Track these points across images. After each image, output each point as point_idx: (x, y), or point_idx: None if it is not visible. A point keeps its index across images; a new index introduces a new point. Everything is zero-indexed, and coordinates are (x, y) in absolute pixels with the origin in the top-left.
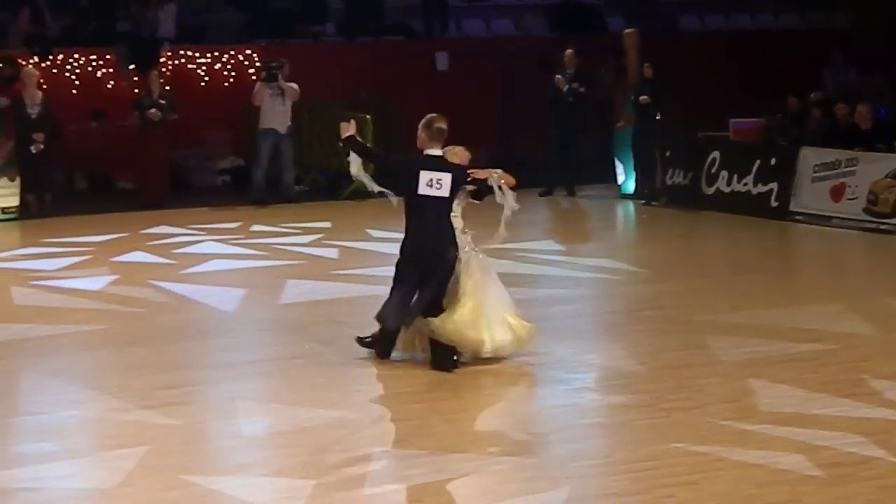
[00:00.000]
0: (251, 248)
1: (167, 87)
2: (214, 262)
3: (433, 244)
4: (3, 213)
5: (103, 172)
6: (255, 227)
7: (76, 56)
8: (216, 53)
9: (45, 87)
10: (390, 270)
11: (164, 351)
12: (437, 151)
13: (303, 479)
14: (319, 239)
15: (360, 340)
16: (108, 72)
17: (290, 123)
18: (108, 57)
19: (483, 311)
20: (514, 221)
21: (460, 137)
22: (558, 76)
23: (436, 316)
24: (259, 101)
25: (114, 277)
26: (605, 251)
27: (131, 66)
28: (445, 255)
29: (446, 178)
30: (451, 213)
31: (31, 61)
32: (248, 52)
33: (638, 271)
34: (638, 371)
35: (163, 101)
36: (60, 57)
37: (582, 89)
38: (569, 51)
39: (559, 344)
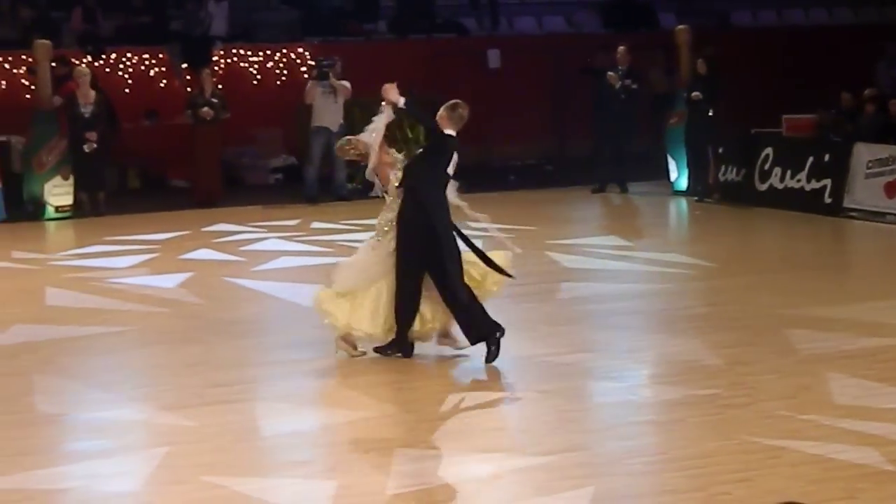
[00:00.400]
0: (317, 244)
1: (219, 86)
2: (284, 258)
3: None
4: (58, 211)
5: (156, 171)
6: (316, 225)
7: (129, 55)
8: (268, 52)
9: (98, 85)
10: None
11: (243, 346)
12: (454, 133)
13: (358, 476)
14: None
15: (379, 350)
16: (161, 70)
17: (342, 121)
18: (160, 56)
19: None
20: (565, 218)
21: (513, 133)
22: (610, 73)
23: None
24: (311, 99)
25: (188, 275)
26: (658, 247)
27: (184, 65)
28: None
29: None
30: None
31: (85, 60)
32: (300, 50)
33: (691, 269)
34: (694, 367)
35: (215, 100)
36: (113, 56)
37: (634, 86)
38: (621, 47)
39: (613, 339)
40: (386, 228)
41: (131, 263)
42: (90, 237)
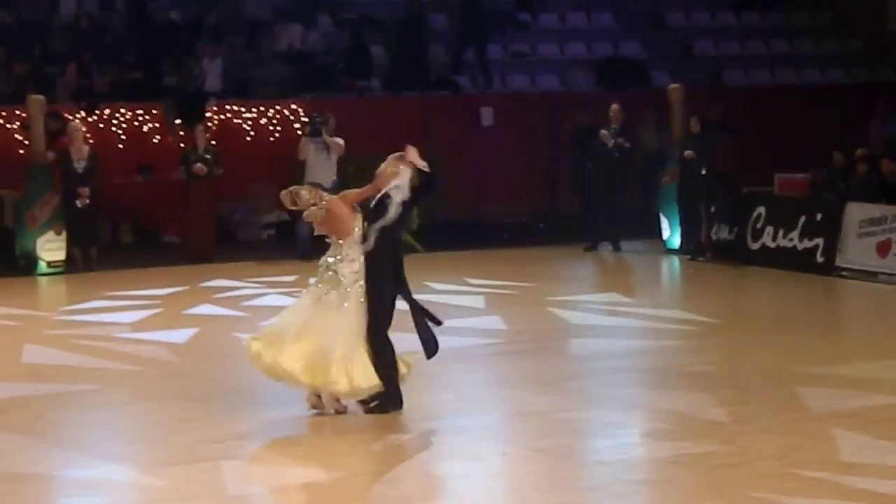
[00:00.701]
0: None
1: (213, 142)
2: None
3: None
4: (50, 266)
5: (149, 226)
6: (313, 281)
7: (122, 110)
8: (262, 108)
9: (91, 141)
10: (476, 322)
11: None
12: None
13: None
14: None
15: (366, 407)
16: (155, 126)
17: (335, 178)
18: (154, 111)
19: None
20: (561, 275)
21: (505, 191)
22: (603, 131)
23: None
24: (304, 155)
25: (195, 330)
26: (657, 305)
27: (177, 121)
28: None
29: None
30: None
31: (78, 115)
32: (294, 106)
33: (690, 325)
34: (690, 424)
35: (208, 156)
36: (107, 111)
37: (627, 144)
38: (614, 105)
39: (613, 396)
40: (353, 279)
41: (136, 318)
42: (85, 292)
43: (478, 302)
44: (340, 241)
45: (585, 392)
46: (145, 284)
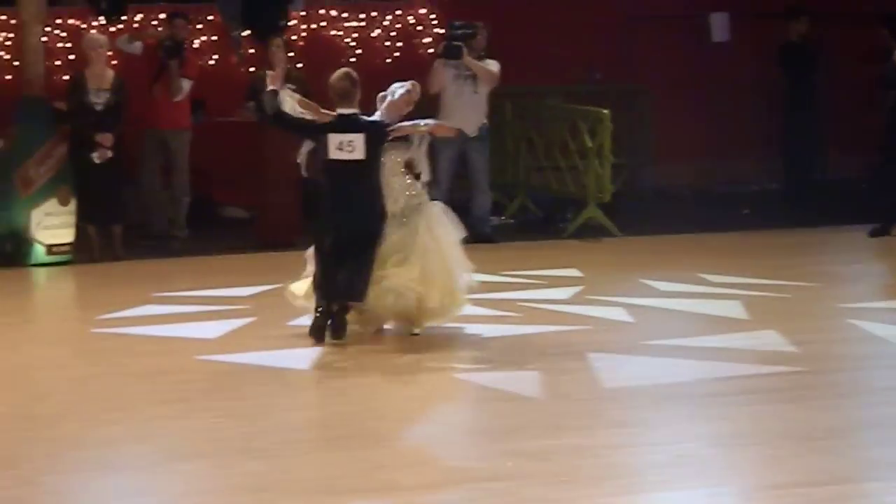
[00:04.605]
0: (489, 305)
1: (298, 65)
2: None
3: (349, 214)
4: (51, 252)
5: (201, 193)
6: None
7: (161, 16)
8: (373, 13)
9: (115, 63)
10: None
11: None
12: (348, 110)
13: None
14: (580, 293)
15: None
16: (210, 40)
17: (484, 121)
18: (209, 17)
19: (431, 276)
20: (846, 272)
21: (743, 144)
22: None
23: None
24: (437, 87)
25: (315, 351)
26: None
27: (244, 33)
28: (366, 228)
29: (358, 138)
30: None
31: (97, 23)
32: (422, 10)
33: None
34: None
35: (292, 86)
36: (139, 16)
37: None
38: None
39: None
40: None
41: (222, 332)
42: (116, 294)
43: (735, 310)
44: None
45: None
46: (206, 282)
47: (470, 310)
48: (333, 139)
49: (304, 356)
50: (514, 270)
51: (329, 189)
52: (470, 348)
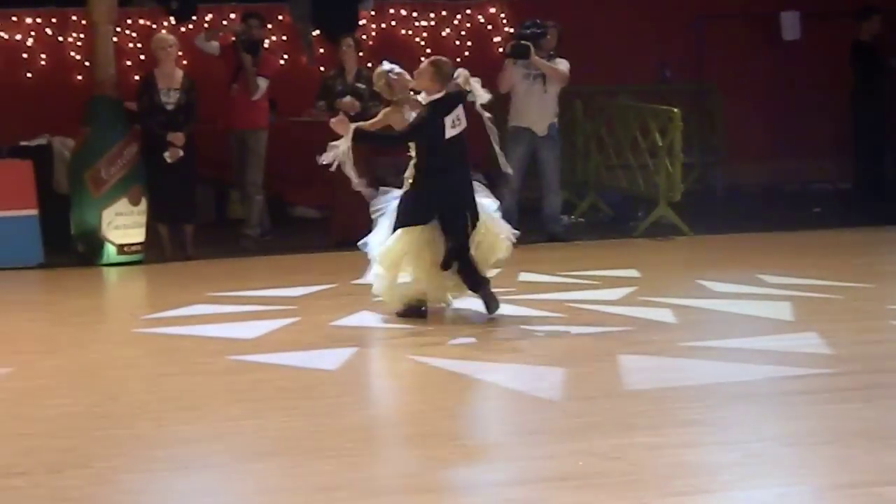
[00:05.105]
0: (538, 306)
1: (369, 65)
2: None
3: (469, 188)
4: (123, 252)
5: (272, 192)
6: (524, 277)
7: (231, 16)
8: (443, 12)
9: (186, 63)
10: (781, 343)
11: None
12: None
13: None
14: (631, 294)
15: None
16: (282, 40)
17: (554, 121)
18: (279, 17)
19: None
20: None
21: (814, 142)
22: None
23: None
24: (508, 86)
25: (351, 350)
26: None
27: (315, 32)
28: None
29: (461, 111)
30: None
31: (167, 23)
32: (493, 10)
33: None
34: None
35: (362, 85)
36: (209, 16)
37: None
38: None
39: None
40: None
41: (261, 332)
42: (178, 292)
43: (783, 311)
44: None
45: None
46: (269, 281)
47: (517, 310)
48: (448, 120)
49: (372, 356)
50: (572, 271)
51: (443, 168)
52: (532, 349)
